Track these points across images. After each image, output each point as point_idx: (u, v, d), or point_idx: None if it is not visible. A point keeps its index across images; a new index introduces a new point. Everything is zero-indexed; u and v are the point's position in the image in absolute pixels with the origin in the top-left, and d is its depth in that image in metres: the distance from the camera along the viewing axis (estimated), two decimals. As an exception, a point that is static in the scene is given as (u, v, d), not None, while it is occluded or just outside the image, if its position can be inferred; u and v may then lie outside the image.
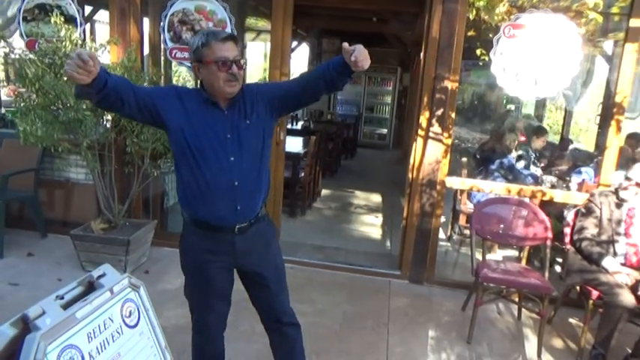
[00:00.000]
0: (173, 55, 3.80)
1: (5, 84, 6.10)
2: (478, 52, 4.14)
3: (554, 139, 7.15)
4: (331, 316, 3.24)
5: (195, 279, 2.04)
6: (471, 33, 3.94)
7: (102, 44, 3.62)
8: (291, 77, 4.98)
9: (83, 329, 1.52)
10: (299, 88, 1.99)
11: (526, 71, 3.30)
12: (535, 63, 3.28)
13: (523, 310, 3.38)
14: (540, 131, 5.45)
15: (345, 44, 1.75)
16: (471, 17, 3.51)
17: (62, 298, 1.55)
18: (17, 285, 3.33)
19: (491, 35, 3.38)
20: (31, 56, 3.38)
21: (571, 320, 3.41)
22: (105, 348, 1.58)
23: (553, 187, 4.35)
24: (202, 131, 1.87)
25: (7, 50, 3.46)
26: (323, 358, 2.75)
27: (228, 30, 3.67)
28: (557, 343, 3.14)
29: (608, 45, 5.31)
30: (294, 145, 5.81)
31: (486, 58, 3.49)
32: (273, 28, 3.75)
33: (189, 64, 3.81)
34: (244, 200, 1.93)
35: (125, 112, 1.87)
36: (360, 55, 1.71)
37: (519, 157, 4.79)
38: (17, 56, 3.45)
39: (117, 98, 1.76)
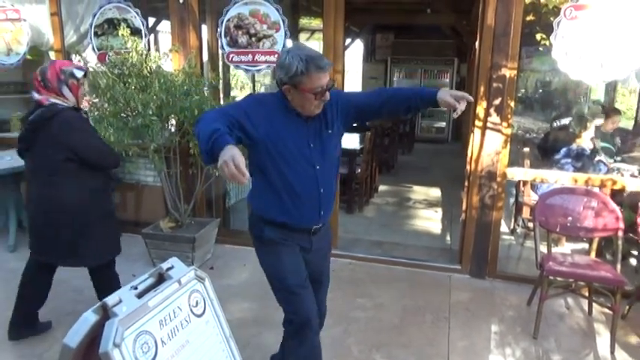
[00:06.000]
0: (230, 59, 3.95)
1: (81, 95, 6.59)
2: (538, 37, 3.98)
3: (628, 124, 6.70)
4: (391, 310, 3.24)
5: (284, 259, 2.01)
6: (530, 17, 3.78)
7: (165, 53, 3.82)
8: (346, 74, 5.02)
9: (155, 317, 1.65)
10: (378, 104, 2.03)
11: (590, 54, 3.13)
12: (600, 44, 3.09)
13: (594, 304, 3.21)
14: (612, 112, 4.98)
15: (460, 97, 1.91)
16: (527, 1, 3.37)
17: (136, 288, 1.68)
18: (97, 280, 3.59)
19: (552, 19, 3.24)
20: (103, 68, 3.63)
21: (648, 316, 3.22)
22: (175, 335, 1.70)
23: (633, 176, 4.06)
24: (287, 140, 1.87)
25: (82, 64, 3.72)
26: (383, 351, 2.77)
27: (282, 31, 3.77)
28: (633, 339, 2.97)
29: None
30: (350, 141, 5.82)
31: (547, 43, 3.35)
32: (324, 26, 3.80)
33: (246, 68, 4.01)
34: (327, 206, 2.02)
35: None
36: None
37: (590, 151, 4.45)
38: (91, 69, 3.72)
39: None
